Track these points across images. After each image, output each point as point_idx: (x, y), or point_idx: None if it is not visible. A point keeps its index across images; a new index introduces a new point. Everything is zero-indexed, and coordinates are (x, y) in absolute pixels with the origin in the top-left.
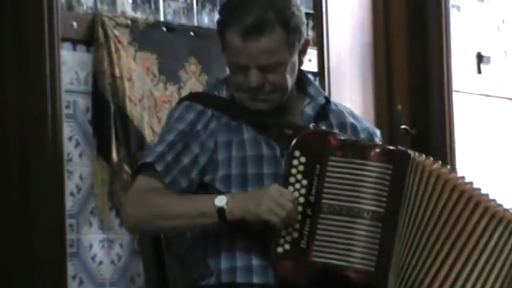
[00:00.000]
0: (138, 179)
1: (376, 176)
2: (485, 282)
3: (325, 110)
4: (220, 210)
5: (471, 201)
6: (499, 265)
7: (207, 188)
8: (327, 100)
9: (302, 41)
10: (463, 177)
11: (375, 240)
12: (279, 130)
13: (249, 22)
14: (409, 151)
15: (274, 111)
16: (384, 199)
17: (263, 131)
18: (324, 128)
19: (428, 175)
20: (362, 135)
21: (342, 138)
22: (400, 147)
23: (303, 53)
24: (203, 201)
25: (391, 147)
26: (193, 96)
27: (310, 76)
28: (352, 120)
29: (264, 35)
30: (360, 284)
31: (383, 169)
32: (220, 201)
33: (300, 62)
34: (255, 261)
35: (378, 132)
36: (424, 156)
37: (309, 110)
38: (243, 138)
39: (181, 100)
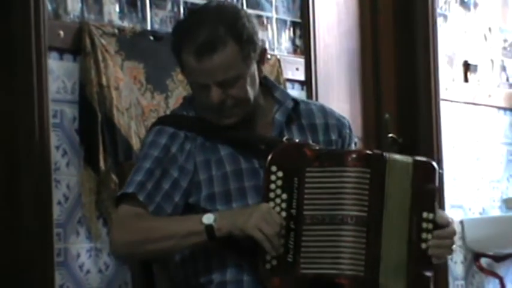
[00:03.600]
0: (120, 207)
1: (355, 181)
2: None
3: (295, 112)
4: (209, 228)
5: None
6: (398, 206)
7: (192, 210)
8: (296, 102)
9: (258, 51)
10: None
11: (361, 244)
12: (253, 146)
13: (200, 40)
14: (384, 153)
15: (244, 124)
16: (366, 203)
17: (238, 146)
18: (295, 131)
19: (404, 172)
20: (333, 136)
21: (317, 148)
22: (375, 151)
23: (261, 62)
24: (190, 220)
25: (367, 151)
26: (163, 120)
27: (297, 85)
28: (322, 119)
29: (216, 51)
30: None
31: (361, 173)
32: (208, 218)
33: (260, 71)
34: (246, 277)
35: (346, 122)
36: (398, 155)
37: (279, 116)
38: (221, 156)
39: (152, 126)
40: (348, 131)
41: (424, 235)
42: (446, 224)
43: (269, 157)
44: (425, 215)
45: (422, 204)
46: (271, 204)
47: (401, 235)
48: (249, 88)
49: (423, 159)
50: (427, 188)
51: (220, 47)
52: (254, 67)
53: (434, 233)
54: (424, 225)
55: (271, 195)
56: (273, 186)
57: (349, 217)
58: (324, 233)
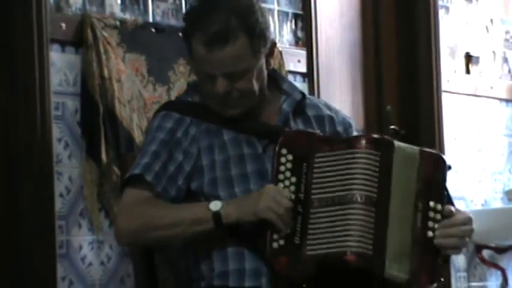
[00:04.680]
0: (126, 191)
1: (366, 162)
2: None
3: (301, 105)
4: (216, 215)
5: None
6: (406, 193)
7: (194, 195)
8: (303, 95)
9: (268, 45)
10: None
11: (370, 224)
12: (257, 132)
13: (212, 30)
14: (393, 140)
15: (249, 112)
16: (375, 184)
17: (242, 131)
18: (301, 123)
19: (410, 158)
20: (339, 128)
21: (327, 135)
22: (385, 136)
23: (270, 55)
24: (197, 207)
25: (376, 136)
26: (169, 105)
27: (299, 77)
28: (328, 112)
29: (228, 43)
30: (358, 268)
31: (371, 155)
32: (216, 205)
33: (268, 64)
34: (247, 265)
35: (352, 122)
36: (404, 143)
37: (286, 106)
38: (224, 140)
39: (158, 110)
40: (351, 128)
41: (430, 223)
42: (450, 215)
43: (280, 139)
44: (432, 204)
45: (429, 193)
46: (281, 185)
47: (406, 220)
48: (255, 81)
49: (432, 150)
50: (434, 178)
51: (232, 39)
52: (263, 61)
53: (440, 223)
54: (431, 214)
55: (281, 177)
56: (282, 168)
57: (359, 196)
58: (332, 213)
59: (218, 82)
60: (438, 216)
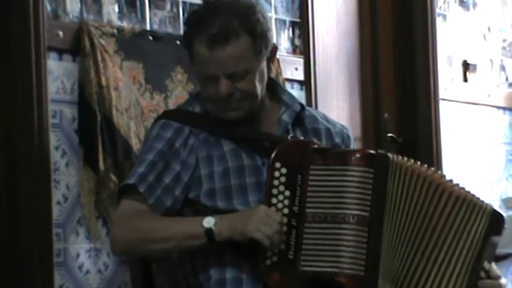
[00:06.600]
0: (122, 202)
1: (358, 181)
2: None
3: (300, 116)
4: (209, 232)
5: (445, 194)
6: (466, 246)
7: (192, 205)
8: (302, 106)
9: (269, 48)
10: (440, 173)
11: (362, 244)
12: (257, 142)
13: (214, 31)
14: (388, 154)
15: (249, 122)
16: (368, 203)
17: (242, 142)
18: (299, 134)
19: (407, 174)
20: (337, 139)
21: (322, 146)
22: (379, 151)
23: (271, 60)
24: (191, 223)
25: (371, 151)
26: (169, 114)
27: (296, 85)
28: (326, 124)
29: (229, 42)
30: None
31: (364, 173)
32: (209, 222)
33: (269, 69)
34: (245, 273)
35: (350, 134)
36: (402, 157)
37: (286, 117)
38: (223, 152)
39: (157, 119)
40: (349, 140)
41: (479, 283)
42: (495, 277)
43: (273, 153)
44: (485, 264)
45: (486, 254)
46: (274, 200)
47: (411, 239)
48: (257, 83)
49: (499, 211)
50: (494, 240)
51: (233, 38)
52: (264, 64)
53: (482, 282)
54: (482, 273)
55: (274, 191)
56: (276, 182)
57: (351, 216)
58: (325, 231)
59: (221, 83)
60: (484, 275)
